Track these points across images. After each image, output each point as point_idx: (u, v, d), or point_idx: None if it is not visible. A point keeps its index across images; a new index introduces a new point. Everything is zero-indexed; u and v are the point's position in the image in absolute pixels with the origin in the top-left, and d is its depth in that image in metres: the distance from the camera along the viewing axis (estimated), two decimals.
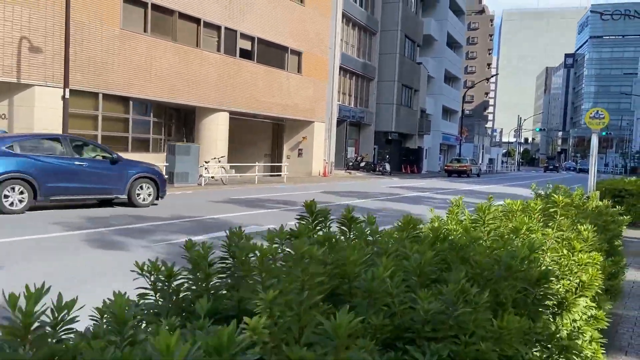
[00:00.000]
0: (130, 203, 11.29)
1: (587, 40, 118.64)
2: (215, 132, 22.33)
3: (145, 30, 18.70)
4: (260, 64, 24.16)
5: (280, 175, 28.86)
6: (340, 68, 31.39)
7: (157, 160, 18.22)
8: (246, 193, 16.35)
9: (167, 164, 16.80)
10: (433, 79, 47.15)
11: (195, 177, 17.42)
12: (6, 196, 9.44)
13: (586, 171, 56.47)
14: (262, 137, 29.14)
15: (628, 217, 7.21)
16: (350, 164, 34.81)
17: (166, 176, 16.18)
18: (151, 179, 11.66)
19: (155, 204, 11.70)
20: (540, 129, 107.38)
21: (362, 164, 34.45)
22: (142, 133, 19.83)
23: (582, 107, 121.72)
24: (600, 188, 11.80)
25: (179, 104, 20.63)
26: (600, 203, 5.92)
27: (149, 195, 11.53)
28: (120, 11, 17.63)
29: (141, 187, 11.46)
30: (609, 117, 9.02)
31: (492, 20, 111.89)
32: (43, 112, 15.60)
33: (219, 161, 19.16)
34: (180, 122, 23.22)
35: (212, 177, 18.53)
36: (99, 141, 17.66)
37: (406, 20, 37.18)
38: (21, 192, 9.65)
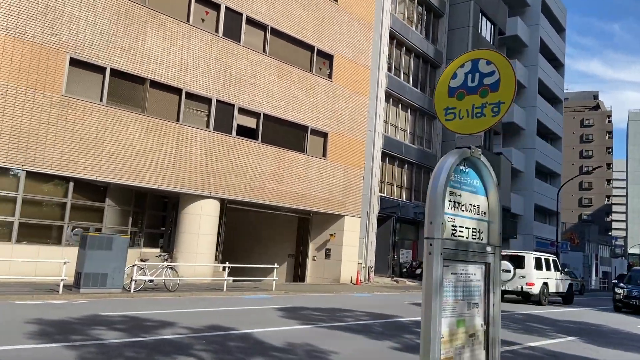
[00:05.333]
0: None
1: None
2: (197, 224, 18.16)
3: (101, 99, 15.76)
4: (267, 145, 20.22)
5: (305, 279, 23.68)
6: (386, 154, 26.50)
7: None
8: (151, 307, 11.50)
9: (77, 262, 12.65)
10: (521, 173, 40.01)
11: (118, 280, 12.99)
12: None
13: None
14: (284, 234, 24.51)
15: None
16: (404, 270, 28.47)
17: (63, 277, 12.02)
18: None
19: None
20: None
21: (419, 271, 27.92)
22: (89, 220, 16.21)
23: None
24: None
25: (146, 187, 17.00)
26: None
27: None
28: (64, 75, 14.92)
29: None
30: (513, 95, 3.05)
31: (609, 117, 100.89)
32: None
33: (165, 260, 14.67)
34: (168, 211, 19.52)
35: (151, 280, 13.97)
36: (16, 228, 14.22)
37: None
38: None
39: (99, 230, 16.08)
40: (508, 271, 19.55)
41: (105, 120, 15.73)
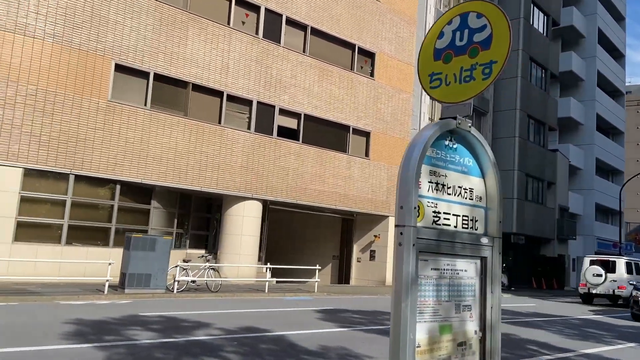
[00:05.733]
0: None
1: None
2: (240, 226, 18.24)
3: (145, 104, 16.11)
4: (308, 145, 20.07)
5: (349, 281, 23.36)
6: None
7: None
8: (190, 308, 11.54)
9: (122, 263, 12.93)
10: (580, 170, 37.97)
11: (161, 281, 13.17)
12: None
13: None
14: (327, 235, 24.28)
15: None
16: None
17: (109, 278, 12.30)
18: None
19: None
20: None
21: None
22: (136, 223, 16.56)
23: None
24: None
25: (189, 189, 17.22)
26: None
27: None
28: (110, 81, 15.34)
29: None
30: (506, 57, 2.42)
31: None
32: None
33: (208, 260, 14.75)
34: (213, 213, 19.70)
35: (193, 281, 14.07)
36: (65, 230, 14.72)
37: (529, 98, 30.46)
38: None
39: (145, 232, 16.43)
40: (600, 275, 20.88)
41: (149, 124, 16.06)
